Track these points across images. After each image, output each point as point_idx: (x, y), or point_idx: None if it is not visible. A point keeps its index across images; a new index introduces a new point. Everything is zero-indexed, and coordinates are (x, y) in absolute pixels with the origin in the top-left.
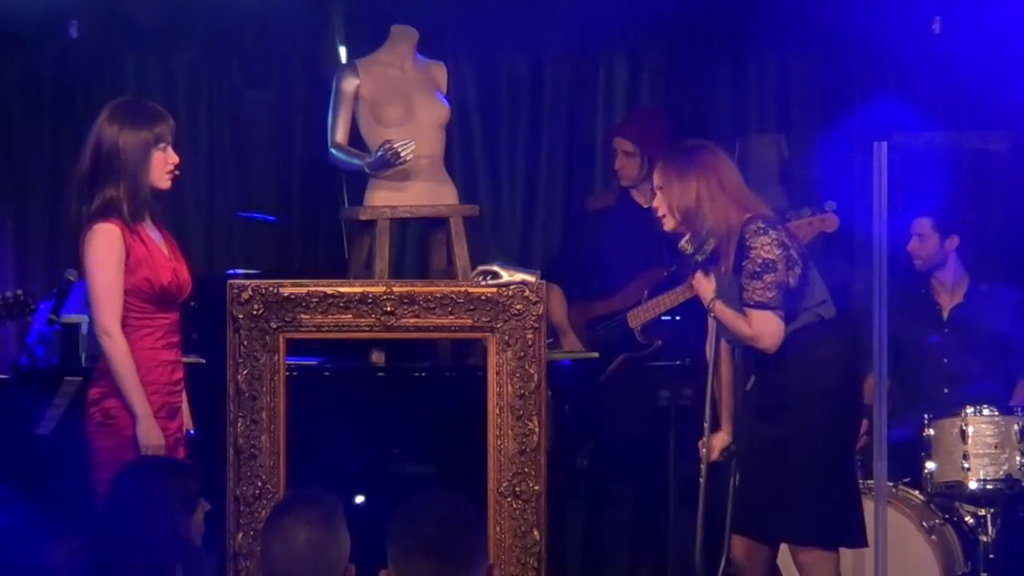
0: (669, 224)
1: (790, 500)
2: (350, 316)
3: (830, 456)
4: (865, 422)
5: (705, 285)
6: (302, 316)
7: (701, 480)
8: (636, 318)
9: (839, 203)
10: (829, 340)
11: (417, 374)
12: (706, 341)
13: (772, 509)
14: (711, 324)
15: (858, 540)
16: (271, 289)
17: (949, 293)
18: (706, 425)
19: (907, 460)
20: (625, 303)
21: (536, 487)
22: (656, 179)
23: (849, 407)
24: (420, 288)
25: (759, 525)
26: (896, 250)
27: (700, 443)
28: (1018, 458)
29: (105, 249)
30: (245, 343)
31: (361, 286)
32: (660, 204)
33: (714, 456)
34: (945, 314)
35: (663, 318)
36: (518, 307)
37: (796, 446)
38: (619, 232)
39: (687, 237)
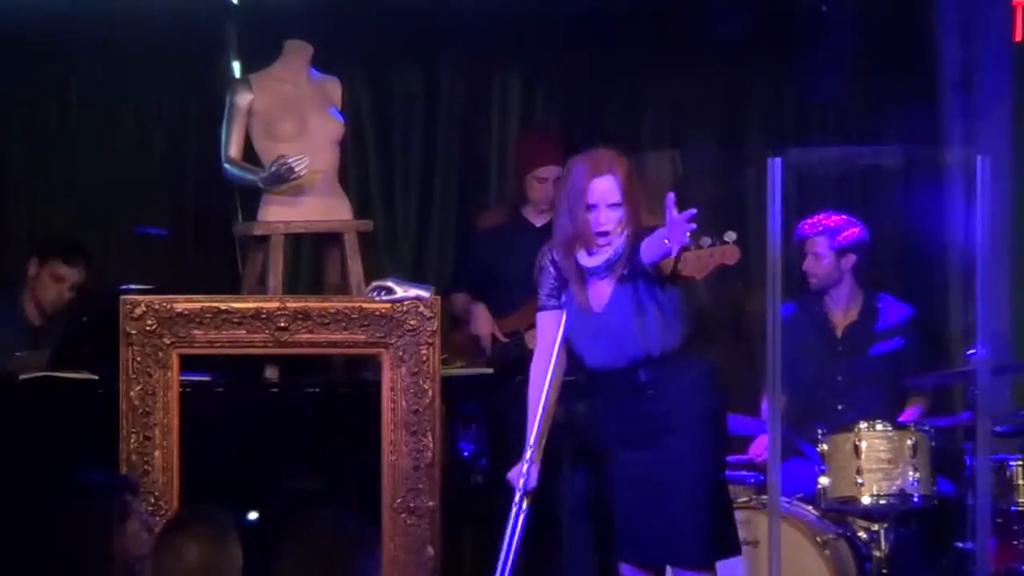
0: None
1: (675, 525)
2: (243, 332)
3: (711, 477)
4: (762, 438)
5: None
6: (195, 332)
7: (515, 509)
8: (534, 338)
9: (733, 219)
10: (701, 363)
11: (311, 390)
12: (534, 363)
13: (658, 535)
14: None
15: (734, 548)
16: (164, 305)
17: (843, 311)
18: (530, 452)
19: (801, 475)
20: (522, 323)
21: (430, 503)
22: (613, 195)
23: (724, 427)
24: (314, 304)
25: (645, 551)
26: (791, 267)
27: (516, 473)
28: (911, 473)
29: None
30: (138, 359)
31: (254, 301)
32: (613, 219)
33: (533, 484)
34: (839, 332)
35: None
36: (412, 323)
37: (678, 470)
38: (512, 250)
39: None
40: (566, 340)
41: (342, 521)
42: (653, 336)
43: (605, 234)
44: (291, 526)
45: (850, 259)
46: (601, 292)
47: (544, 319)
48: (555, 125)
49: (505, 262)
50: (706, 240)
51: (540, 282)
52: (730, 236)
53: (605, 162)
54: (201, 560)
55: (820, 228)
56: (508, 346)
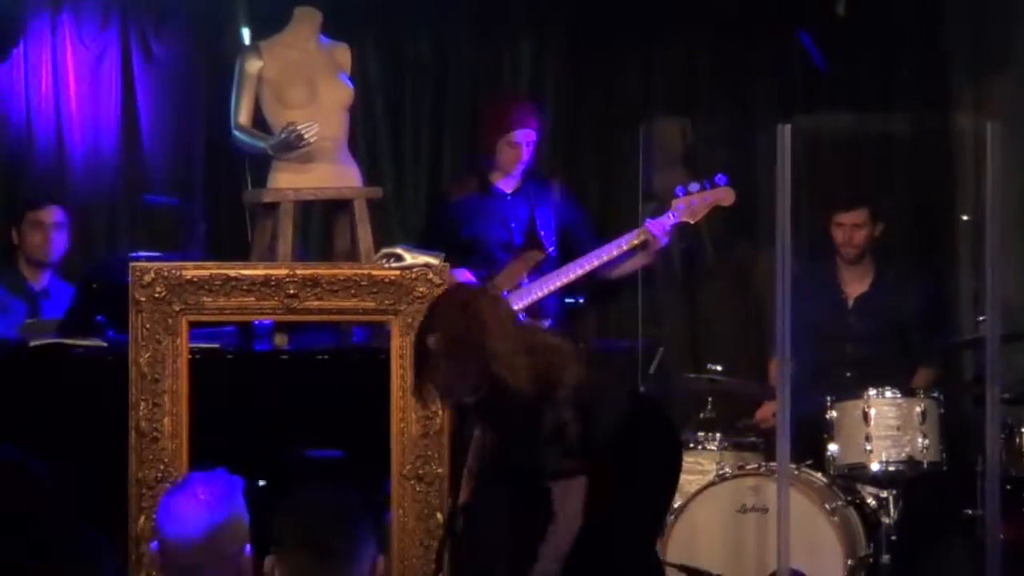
0: None
1: None
2: (253, 299)
3: None
4: (771, 404)
5: None
6: (205, 299)
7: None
8: (517, 301)
9: (744, 187)
10: None
11: (321, 357)
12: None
13: None
14: None
15: None
16: (174, 272)
17: (857, 280)
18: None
19: (810, 442)
20: (503, 286)
21: (439, 470)
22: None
23: None
24: (323, 271)
25: None
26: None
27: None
28: (919, 440)
29: None
30: (147, 326)
31: (264, 268)
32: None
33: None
34: (850, 302)
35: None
36: (421, 290)
37: None
38: (485, 218)
39: None
40: None
41: (336, 495)
42: None
43: None
44: (286, 498)
45: (879, 228)
46: None
47: (579, 487)
48: (563, 92)
49: (479, 230)
50: (695, 186)
51: (559, 442)
52: (720, 179)
53: None
54: (203, 523)
55: (861, 200)
56: None
